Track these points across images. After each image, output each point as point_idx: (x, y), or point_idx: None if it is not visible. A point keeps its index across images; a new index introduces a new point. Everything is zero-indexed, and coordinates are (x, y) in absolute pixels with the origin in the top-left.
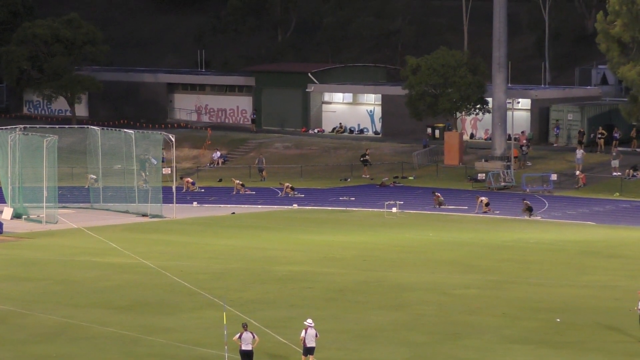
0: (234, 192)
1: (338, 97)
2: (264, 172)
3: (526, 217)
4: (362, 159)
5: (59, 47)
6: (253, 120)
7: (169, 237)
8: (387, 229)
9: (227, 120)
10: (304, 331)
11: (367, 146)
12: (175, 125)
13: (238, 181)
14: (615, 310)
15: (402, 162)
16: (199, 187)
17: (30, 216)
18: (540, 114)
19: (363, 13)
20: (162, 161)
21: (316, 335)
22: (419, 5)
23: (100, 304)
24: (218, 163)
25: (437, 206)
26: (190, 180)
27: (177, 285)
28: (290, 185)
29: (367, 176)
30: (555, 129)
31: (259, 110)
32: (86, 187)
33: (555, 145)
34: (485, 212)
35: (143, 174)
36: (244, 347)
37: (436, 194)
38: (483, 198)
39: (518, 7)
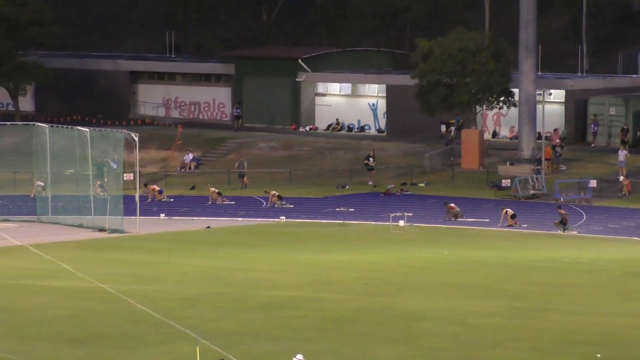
0: (210, 202)
1: (334, 88)
2: (245, 178)
3: (559, 232)
4: (365, 162)
5: None
6: (237, 117)
7: (132, 256)
8: (392, 245)
9: (201, 116)
10: None
11: (370, 147)
12: (140, 121)
13: (214, 189)
14: None
15: (410, 166)
16: (167, 196)
17: None
18: (577, 108)
19: None
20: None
21: None
22: None
23: (49, 337)
24: (190, 167)
25: (453, 219)
26: (156, 187)
27: (141, 313)
28: (277, 194)
29: (371, 183)
30: (593, 126)
31: (240, 104)
32: (32, 196)
33: (593, 145)
34: (510, 226)
35: (98, 182)
36: None
37: (450, 205)
38: (508, 209)
39: None
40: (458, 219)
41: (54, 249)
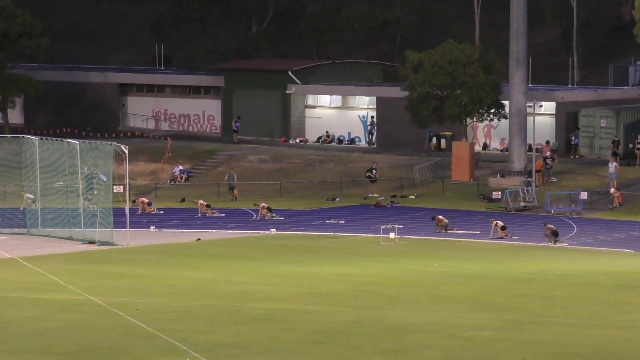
0: (199, 215)
1: (324, 100)
2: (235, 191)
3: (550, 244)
4: (368, 174)
5: None
6: (235, 130)
7: (122, 269)
8: (383, 258)
9: (191, 128)
10: None
11: (362, 159)
12: (129, 134)
13: (202, 202)
14: None
15: (400, 178)
16: (156, 209)
17: None
18: (568, 119)
19: (354, 0)
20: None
21: None
22: None
23: (39, 350)
24: (180, 179)
25: (443, 231)
26: (146, 200)
27: (131, 326)
28: (266, 206)
29: (375, 195)
30: (574, 138)
31: (229, 116)
32: (21, 208)
33: (571, 157)
34: (501, 238)
35: (83, 197)
36: None
37: (438, 217)
38: (498, 221)
39: None
40: (448, 231)
41: (44, 262)
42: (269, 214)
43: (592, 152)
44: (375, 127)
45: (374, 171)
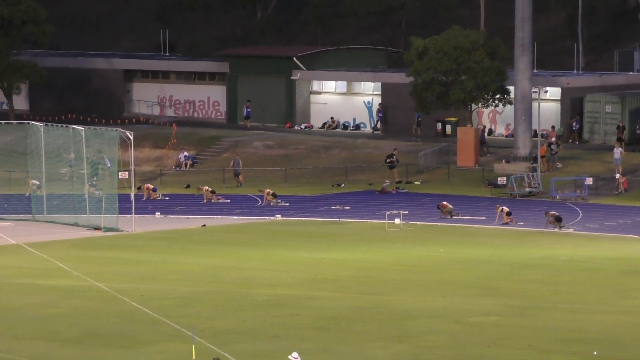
0: (204, 201)
1: (329, 86)
2: (240, 177)
3: (555, 230)
4: (388, 160)
5: None
6: (247, 117)
7: (127, 255)
8: (388, 244)
9: (196, 114)
10: None
11: (367, 145)
12: (134, 120)
13: (207, 188)
14: None
15: (406, 164)
16: (161, 195)
17: None
18: (573, 105)
19: None
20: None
21: None
22: None
23: (45, 336)
24: (185, 165)
25: (448, 216)
26: (151, 186)
27: (136, 312)
28: (271, 192)
29: (388, 182)
30: (575, 123)
31: (234, 102)
32: (27, 194)
33: (570, 141)
34: (506, 224)
35: (88, 184)
36: None
37: (442, 203)
38: (504, 207)
39: None
40: (453, 216)
41: (49, 248)
42: (274, 200)
43: (592, 137)
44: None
45: (393, 157)
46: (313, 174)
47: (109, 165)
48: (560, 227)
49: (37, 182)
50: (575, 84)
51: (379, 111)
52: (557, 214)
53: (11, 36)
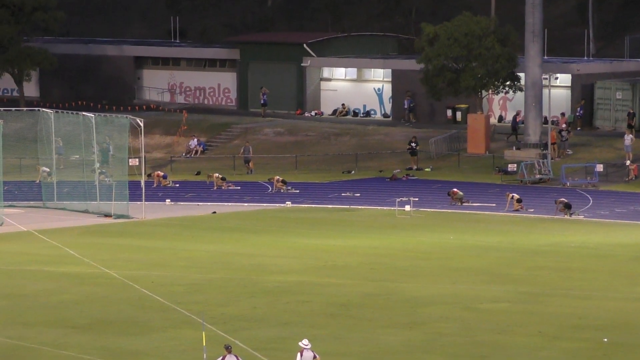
0: (215, 188)
1: (340, 72)
2: (250, 164)
3: (565, 217)
4: (409, 147)
5: (3, 14)
6: (264, 104)
7: (137, 242)
8: (398, 230)
9: (206, 101)
10: (299, 354)
11: (378, 132)
12: (144, 107)
13: (217, 175)
14: None
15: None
16: (172, 182)
17: None
18: (583, 92)
19: None
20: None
21: (314, 358)
22: None
23: (55, 323)
24: (196, 152)
25: (459, 203)
26: (160, 173)
27: (146, 299)
28: (281, 179)
29: (414, 167)
30: (579, 109)
31: (244, 89)
32: (37, 181)
33: (578, 129)
34: (517, 211)
35: (98, 170)
36: None
37: (453, 190)
38: (514, 194)
39: None
40: (463, 203)
41: (60, 235)
42: (284, 187)
43: (594, 124)
44: (391, 102)
45: (413, 144)
46: (323, 161)
47: (111, 152)
48: (571, 214)
49: (48, 169)
50: (586, 71)
51: (409, 101)
52: (566, 200)
53: (22, 23)
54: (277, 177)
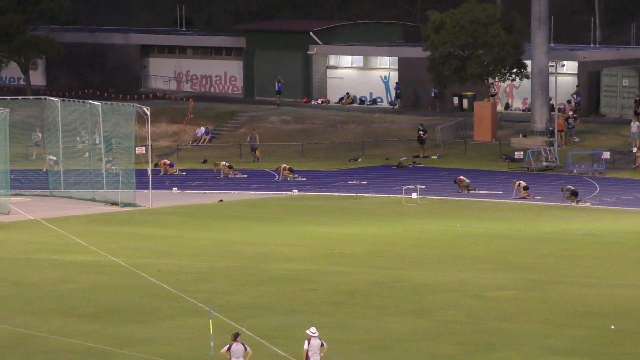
0: (222, 176)
1: (346, 60)
2: (257, 152)
3: (572, 204)
4: (418, 135)
5: (10, 2)
6: (278, 91)
7: (144, 230)
8: (405, 218)
9: (212, 90)
10: (306, 342)
11: (384, 120)
12: (151, 95)
13: (224, 163)
14: None
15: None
16: (179, 170)
17: None
18: (590, 79)
19: None
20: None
21: (322, 345)
22: None
23: (62, 311)
24: (202, 140)
25: (465, 191)
26: (167, 161)
27: (153, 287)
28: (287, 167)
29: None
30: (575, 96)
31: (250, 77)
32: (44, 170)
33: (575, 115)
34: (523, 198)
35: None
36: None
37: (459, 177)
38: (521, 182)
39: None
40: (470, 191)
41: (67, 223)
42: (290, 175)
43: (600, 112)
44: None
45: (421, 132)
46: (330, 149)
47: (97, 142)
48: (577, 202)
49: (54, 158)
50: (592, 58)
51: (396, 87)
52: (573, 188)
53: (28, 12)
54: (284, 165)
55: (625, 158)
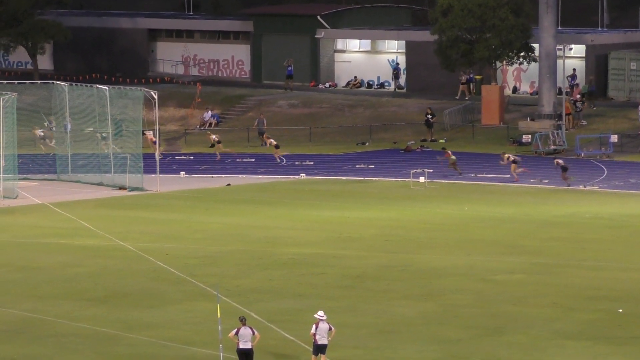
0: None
1: (353, 44)
2: (265, 136)
3: (566, 185)
4: (426, 119)
5: None
6: (289, 76)
7: (152, 214)
8: (413, 202)
9: (220, 74)
10: (314, 326)
11: (392, 103)
12: (158, 79)
13: (214, 136)
14: None
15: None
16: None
17: None
18: (597, 62)
19: None
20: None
21: (330, 329)
22: None
23: (70, 295)
24: (210, 124)
25: (452, 168)
26: (154, 138)
27: (161, 271)
28: (275, 143)
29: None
30: (571, 80)
31: (258, 61)
32: (51, 154)
33: (571, 99)
34: (514, 170)
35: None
36: (242, 345)
37: (447, 151)
38: (510, 155)
39: None
40: (457, 169)
41: (74, 207)
42: (277, 152)
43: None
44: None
45: (429, 116)
46: (337, 133)
47: (69, 128)
48: (567, 178)
49: (42, 133)
50: (600, 41)
51: (395, 67)
52: (562, 163)
53: None
54: (271, 140)
55: (633, 141)
